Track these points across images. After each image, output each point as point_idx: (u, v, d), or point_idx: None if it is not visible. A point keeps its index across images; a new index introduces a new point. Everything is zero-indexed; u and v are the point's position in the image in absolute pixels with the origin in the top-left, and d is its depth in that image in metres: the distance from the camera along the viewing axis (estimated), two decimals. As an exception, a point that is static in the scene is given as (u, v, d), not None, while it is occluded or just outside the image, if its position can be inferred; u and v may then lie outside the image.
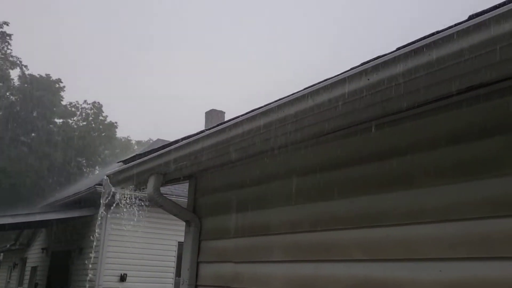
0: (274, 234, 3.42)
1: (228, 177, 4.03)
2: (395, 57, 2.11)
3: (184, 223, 4.32)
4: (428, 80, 2.08)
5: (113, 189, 4.39)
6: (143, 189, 4.19)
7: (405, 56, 2.06)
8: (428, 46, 1.99)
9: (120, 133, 44.17)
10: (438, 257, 2.31)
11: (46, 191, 28.51)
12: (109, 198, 4.50)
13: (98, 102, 40.27)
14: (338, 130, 2.88)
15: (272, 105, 2.77)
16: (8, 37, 34.54)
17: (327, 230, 2.99)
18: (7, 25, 34.27)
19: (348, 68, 2.40)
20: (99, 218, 4.19)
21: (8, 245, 21.38)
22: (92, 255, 12.50)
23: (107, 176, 4.44)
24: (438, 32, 2.03)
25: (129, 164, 4.17)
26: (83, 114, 40.21)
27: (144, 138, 45.77)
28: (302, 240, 3.16)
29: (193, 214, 4.24)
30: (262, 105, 2.94)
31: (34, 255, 18.54)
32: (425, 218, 2.40)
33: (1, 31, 34.21)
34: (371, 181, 2.74)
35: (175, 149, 3.62)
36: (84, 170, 37.11)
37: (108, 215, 11.66)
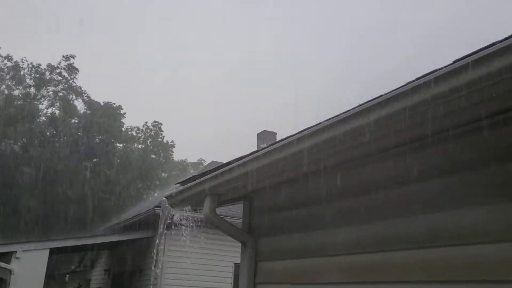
0: (331, 256, 3.37)
1: (282, 197, 4.02)
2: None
3: (240, 244, 4.34)
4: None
5: (171, 211, 4.50)
6: (200, 210, 4.27)
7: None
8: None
9: (177, 155, 45.31)
10: (504, 278, 2.18)
11: (108, 214, 29.58)
12: (167, 220, 4.62)
13: (158, 121, 41.76)
14: (394, 148, 2.82)
15: (325, 123, 2.75)
16: (76, 70, 36.72)
17: (386, 251, 2.91)
18: (73, 58, 36.47)
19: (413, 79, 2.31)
20: (157, 240, 4.31)
21: (73, 267, 22.29)
22: (152, 276, 12.78)
23: (165, 197, 4.57)
24: None
25: (186, 185, 4.27)
26: (142, 136, 41.72)
27: (193, 159, 46.64)
28: (361, 261, 3.08)
29: (249, 235, 4.26)
30: (314, 124, 2.93)
31: (97, 277, 19.18)
32: (491, 238, 2.28)
33: (68, 64, 36.38)
34: (431, 200, 2.65)
35: (229, 170, 3.68)
36: (144, 192, 38.28)
37: (167, 237, 11.92)
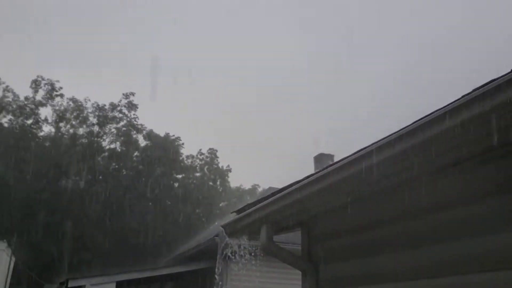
0: (395, 281, 3.16)
1: (342, 222, 3.87)
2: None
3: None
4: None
5: (228, 240, 4.45)
6: (258, 238, 4.19)
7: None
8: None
9: (232, 181, 45.71)
10: None
11: (171, 245, 30.10)
12: (226, 249, 4.57)
13: (213, 148, 42.49)
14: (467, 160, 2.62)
15: (386, 140, 2.59)
16: (134, 107, 38.35)
17: (459, 273, 2.68)
18: (133, 95, 38.16)
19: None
20: (217, 270, 4.28)
21: (140, 299, 22.67)
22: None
23: (222, 227, 4.54)
24: None
25: (241, 214, 4.22)
26: (198, 164, 42.55)
27: (248, 185, 46.71)
28: (429, 286, 2.87)
29: (309, 263, 4.11)
30: (373, 142, 2.78)
31: (163, 308, 19.38)
32: None
33: (128, 101, 38.08)
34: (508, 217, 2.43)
35: (284, 196, 3.59)
36: (204, 221, 38.76)
37: (229, 266, 11.87)
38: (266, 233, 3.91)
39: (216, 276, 4.99)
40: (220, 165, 42.86)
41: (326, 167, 3.24)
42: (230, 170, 43.24)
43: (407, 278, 3.06)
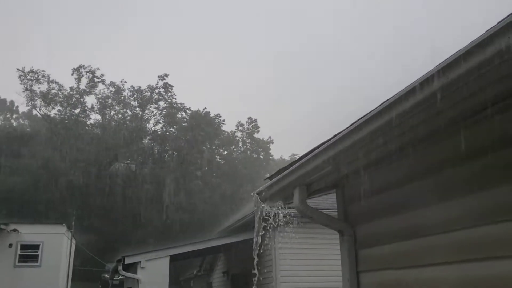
0: (435, 234, 3.07)
1: (376, 179, 3.77)
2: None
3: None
4: None
5: (263, 206, 4.47)
6: (291, 202, 4.18)
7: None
8: None
9: (274, 152, 45.81)
10: None
11: (220, 219, 30.81)
12: (262, 216, 4.59)
13: (252, 118, 42.61)
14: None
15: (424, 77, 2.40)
16: (170, 88, 38.88)
17: (501, 221, 2.55)
18: (167, 76, 38.64)
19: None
20: (256, 237, 4.34)
21: (195, 272, 23.44)
22: (260, 276, 12.94)
23: (256, 193, 4.55)
24: None
25: (273, 179, 4.21)
26: (240, 137, 42.85)
27: (288, 155, 46.71)
28: (470, 237, 2.76)
29: (345, 223, 4.08)
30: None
31: (217, 279, 19.96)
32: None
33: (164, 83, 38.64)
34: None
35: (315, 156, 3.51)
36: (251, 194, 39.34)
37: (274, 233, 12.01)
38: (299, 196, 3.89)
39: (255, 246, 5.02)
40: (261, 136, 43.06)
41: (360, 118, 3.04)
42: (272, 141, 43.34)
43: (443, 230, 2.97)
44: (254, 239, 4.86)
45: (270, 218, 4.68)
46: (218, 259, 20.19)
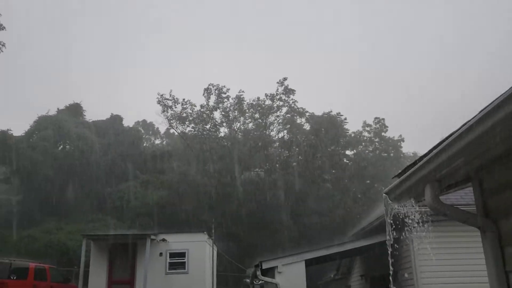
0: None
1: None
2: None
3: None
4: None
5: (393, 206, 4.32)
6: (423, 200, 3.98)
7: None
8: None
9: (407, 149, 43.63)
10: None
11: (353, 221, 30.25)
12: (392, 215, 4.45)
13: (379, 117, 41.23)
14: None
15: None
16: (291, 92, 39.39)
17: None
18: (286, 80, 39.26)
19: None
20: (388, 238, 4.16)
21: (332, 275, 23.33)
22: (400, 278, 12.40)
23: (385, 194, 4.43)
24: None
25: (402, 177, 4.05)
26: (368, 137, 41.66)
27: (423, 151, 43.87)
28: None
29: (486, 219, 3.76)
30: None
31: (356, 282, 19.61)
32: None
33: (284, 87, 39.30)
34: None
35: (444, 148, 3.30)
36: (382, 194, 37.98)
37: (411, 233, 11.45)
38: (430, 192, 3.69)
39: (388, 247, 4.86)
40: (391, 135, 41.45)
41: (499, 96, 2.77)
42: (402, 140, 41.43)
43: None
44: (387, 240, 4.72)
45: (403, 217, 4.51)
46: (355, 262, 19.85)
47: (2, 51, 32.15)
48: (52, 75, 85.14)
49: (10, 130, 38.82)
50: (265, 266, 14.39)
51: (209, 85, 39.61)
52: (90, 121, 43.82)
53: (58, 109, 43.44)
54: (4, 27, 31.92)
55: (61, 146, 40.04)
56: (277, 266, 14.21)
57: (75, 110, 44.02)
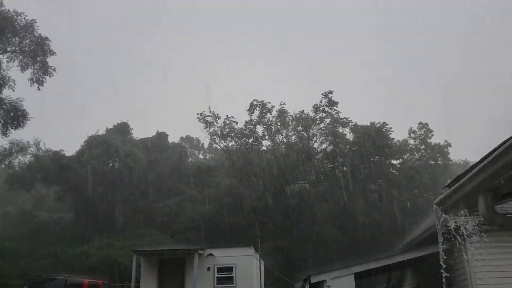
0: None
1: None
2: None
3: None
4: None
5: (445, 217, 4.19)
6: (476, 211, 3.83)
7: None
8: None
9: (455, 156, 42.28)
10: None
11: (402, 232, 29.45)
12: (444, 227, 4.30)
13: (423, 122, 40.25)
14: None
15: None
16: (334, 105, 39.12)
17: None
18: (331, 93, 38.99)
19: None
20: (441, 250, 4.00)
21: (383, 288, 22.75)
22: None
23: (435, 204, 4.29)
24: None
25: (452, 188, 3.92)
26: (414, 145, 40.67)
27: (475, 158, 42.30)
28: None
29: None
30: None
31: (407, 295, 19.00)
32: None
33: (328, 99, 39.07)
34: None
35: (501, 154, 3.16)
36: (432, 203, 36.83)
37: (466, 245, 11.00)
38: (484, 202, 3.55)
39: (441, 258, 4.69)
40: (436, 141, 40.36)
41: None
42: (449, 145, 40.22)
43: None
44: (440, 251, 4.56)
45: (456, 228, 4.36)
46: (406, 274, 19.28)
47: (52, 75, 33.98)
48: (102, 96, 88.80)
49: (63, 150, 40.70)
50: (313, 280, 14.22)
51: (253, 100, 39.89)
52: (137, 138, 45.14)
53: (107, 128, 45.00)
54: (55, 53, 33.77)
55: (110, 164, 41.30)
56: (325, 280, 14.00)
57: (123, 129, 45.43)
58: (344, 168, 38.64)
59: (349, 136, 40.18)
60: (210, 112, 39.96)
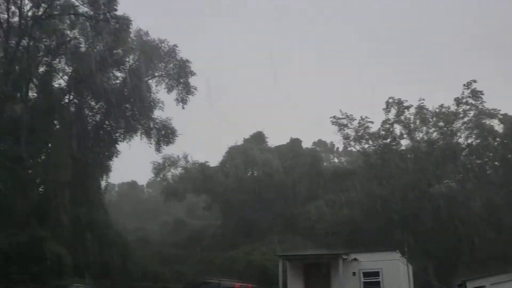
0: None
1: None
2: None
3: None
4: None
5: None
6: None
7: None
8: None
9: None
10: None
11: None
12: None
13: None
14: None
15: None
16: (479, 94, 35.91)
17: None
18: (474, 82, 35.91)
19: None
20: None
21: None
22: None
23: None
24: None
25: None
26: None
27: None
28: None
29: None
30: None
31: None
32: None
33: (472, 90, 36.00)
34: None
35: None
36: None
37: None
38: None
39: None
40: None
41: None
42: None
43: None
44: None
45: None
46: None
47: (194, 94, 36.74)
48: (238, 108, 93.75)
49: (208, 162, 44.04)
50: (470, 285, 13.32)
51: (388, 98, 38.47)
52: (273, 146, 46.64)
53: (244, 138, 47.30)
54: (195, 73, 36.52)
55: (250, 172, 43.38)
56: (484, 286, 12.98)
57: (258, 138, 47.38)
58: (496, 163, 35.27)
59: (498, 128, 36.55)
60: (342, 114, 39.57)
